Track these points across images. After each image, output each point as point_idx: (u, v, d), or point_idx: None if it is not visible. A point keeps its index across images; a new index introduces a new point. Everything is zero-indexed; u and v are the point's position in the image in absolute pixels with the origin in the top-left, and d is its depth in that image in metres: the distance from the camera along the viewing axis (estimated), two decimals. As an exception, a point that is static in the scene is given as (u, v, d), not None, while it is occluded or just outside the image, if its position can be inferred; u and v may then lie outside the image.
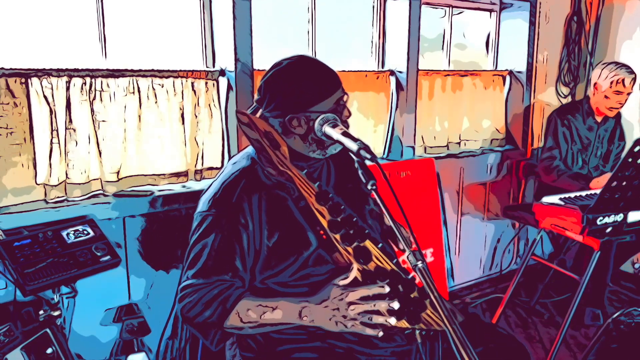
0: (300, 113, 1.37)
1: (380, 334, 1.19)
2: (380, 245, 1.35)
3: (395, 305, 1.19)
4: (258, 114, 1.42)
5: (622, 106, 2.87)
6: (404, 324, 1.26)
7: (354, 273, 1.26)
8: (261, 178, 1.37)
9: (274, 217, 1.34)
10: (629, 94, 2.82)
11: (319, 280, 1.34)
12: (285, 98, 1.37)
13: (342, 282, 1.25)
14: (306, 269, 1.36)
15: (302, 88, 1.36)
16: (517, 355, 1.45)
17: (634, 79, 2.80)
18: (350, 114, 1.44)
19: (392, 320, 1.19)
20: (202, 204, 1.37)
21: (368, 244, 1.33)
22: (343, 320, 1.21)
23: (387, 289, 1.21)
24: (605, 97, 2.84)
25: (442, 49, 3.25)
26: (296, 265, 1.35)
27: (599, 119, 2.98)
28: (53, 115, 1.88)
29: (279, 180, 1.35)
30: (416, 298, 1.30)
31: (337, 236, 1.31)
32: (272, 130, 1.36)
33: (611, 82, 2.79)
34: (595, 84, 2.88)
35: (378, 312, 1.19)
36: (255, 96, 1.44)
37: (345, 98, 1.43)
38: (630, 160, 2.07)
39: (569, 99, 3.65)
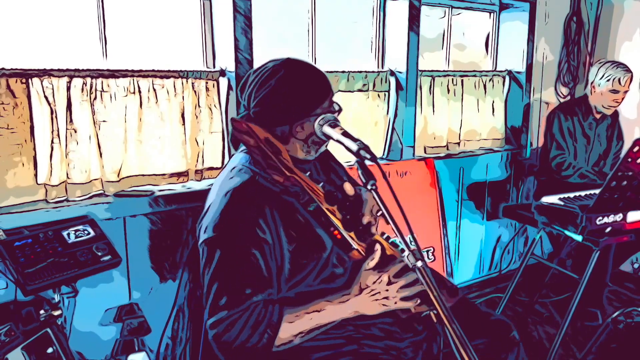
0: (304, 118, 1.37)
1: (418, 301, 1.26)
2: (385, 235, 1.39)
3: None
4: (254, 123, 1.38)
5: (619, 104, 2.89)
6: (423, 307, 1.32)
7: (378, 254, 1.30)
8: (266, 188, 1.34)
9: (289, 224, 1.33)
10: (625, 92, 2.84)
11: (342, 278, 1.38)
12: (291, 107, 1.35)
13: (371, 264, 1.29)
14: (327, 268, 1.37)
15: (306, 93, 1.36)
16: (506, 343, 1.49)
17: (630, 78, 2.81)
18: (340, 108, 1.44)
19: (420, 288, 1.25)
20: (209, 230, 1.29)
21: (377, 237, 1.36)
22: (386, 302, 1.27)
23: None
24: (602, 95, 2.86)
25: (442, 49, 3.25)
26: (318, 267, 1.36)
27: (597, 116, 3.00)
28: (54, 116, 1.88)
29: (285, 186, 1.33)
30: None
31: (352, 234, 1.32)
32: (270, 136, 1.33)
33: (608, 81, 2.81)
34: (592, 82, 2.90)
35: (413, 283, 1.25)
36: (251, 107, 1.39)
37: (333, 96, 1.44)
38: (629, 160, 2.08)
39: (568, 99, 3.66)
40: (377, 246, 1.31)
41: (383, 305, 1.27)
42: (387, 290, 1.26)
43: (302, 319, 1.26)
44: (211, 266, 1.26)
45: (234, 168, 1.39)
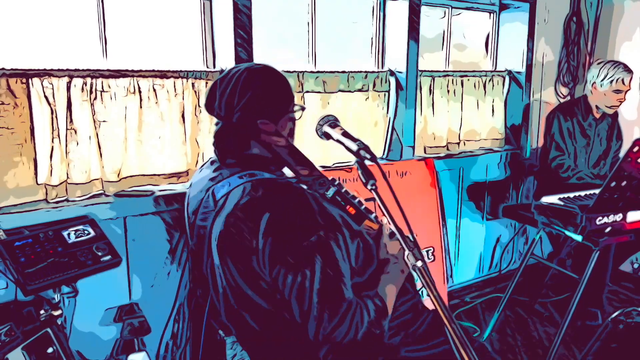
0: (285, 115, 1.45)
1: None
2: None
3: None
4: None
5: (621, 103, 2.90)
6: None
7: (391, 228, 1.40)
8: (300, 189, 1.35)
9: (329, 214, 1.36)
10: (627, 91, 2.85)
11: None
12: (275, 105, 1.44)
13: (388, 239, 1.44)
14: (360, 249, 1.42)
15: (284, 90, 1.46)
16: None
17: (632, 76, 2.82)
18: (303, 107, 1.56)
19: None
20: (282, 253, 1.26)
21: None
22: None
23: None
24: (606, 96, 2.86)
25: (442, 49, 3.26)
26: (360, 247, 1.41)
27: (597, 116, 3.01)
28: (54, 116, 1.88)
29: (311, 177, 1.39)
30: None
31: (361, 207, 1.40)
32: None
33: (611, 82, 2.81)
34: (593, 83, 2.90)
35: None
36: (234, 113, 1.43)
37: None
38: (629, 160, 2.08)
39: (568, 99, 3.66)
40: (386, 224, 1.42)
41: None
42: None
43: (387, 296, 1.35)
44: (313, 281, 1.24)
45: (244, 189, 1.35)
